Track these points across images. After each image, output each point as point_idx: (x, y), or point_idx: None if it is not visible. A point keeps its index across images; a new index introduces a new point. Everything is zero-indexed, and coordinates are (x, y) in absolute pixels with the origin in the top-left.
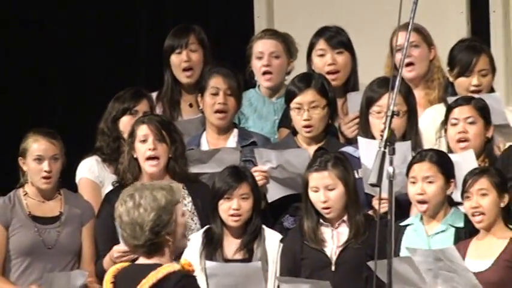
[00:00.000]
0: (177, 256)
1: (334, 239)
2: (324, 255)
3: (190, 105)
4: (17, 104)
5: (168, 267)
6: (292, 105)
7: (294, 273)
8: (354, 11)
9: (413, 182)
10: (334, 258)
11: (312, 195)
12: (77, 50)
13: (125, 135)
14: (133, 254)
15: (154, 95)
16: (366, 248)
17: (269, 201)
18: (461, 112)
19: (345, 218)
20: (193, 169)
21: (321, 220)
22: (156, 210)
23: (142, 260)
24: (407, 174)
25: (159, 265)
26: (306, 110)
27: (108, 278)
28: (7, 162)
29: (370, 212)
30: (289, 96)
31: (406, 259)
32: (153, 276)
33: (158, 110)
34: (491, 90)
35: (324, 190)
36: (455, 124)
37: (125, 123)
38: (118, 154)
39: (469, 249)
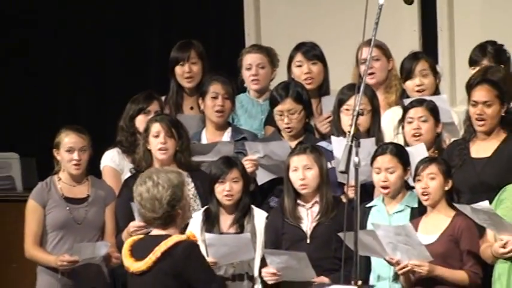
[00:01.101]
0: (182, 230)
1: (309, 216)
2: (300, 230)
3: (191, 108)
4: (51, 105)
5: (177, 237)
6: (275, 111)
7: (276, 245)
8: (326, 29)
9: (378, 172)
10: (309, 232)
11: (292, 174)
12: (101, 63)
13: (140, 131)
14: (149, 227)
15: (162, 98)
16: (335, 224)
17: (259, 184)
18: (415, 112)
19: (317, 198)
20: (196, 159)
21: (298, 201)
22: (171, 188)
23: (155, 232)
24: (371, 164)
25: (169, 236)
26: (286, 116)
27: (126, 247)
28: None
29: (343, 197)
30: (273, 103)
31: (370, 232)
32: (165, 244)
33: (166, 111)
34: (438, 93)
35: (303, 169)
36: (410, 122)
37: (140, 121)
38: (135, 147)
39: (419, 225)
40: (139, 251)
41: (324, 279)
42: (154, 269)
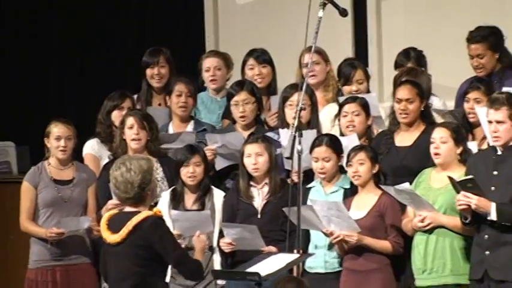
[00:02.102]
0: (151, 207)
1: (260, 196)
2: (252, 207)
3: (159, 104)
4: (42, 101)
5: (146, 213)
6: (232, 102)
7: (232, 219)
8: (274, 38)
9: (316, 161)
10: (259, 209)
11: (246, 160)
12: (84, 65)
13: (116, 123)
14: (122, 206)
15: (135, 96)
16: (282, 202)
17: (217, 169)
18: (349, 107)
19: (267, 180)
20: (163, 146)
21: (250, 182)
22: (142, 173)
23: (128, 209)
24: (310, 153)
25: (139, 212)
26: (241, 105)
27: (103, 221)
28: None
29: (289, 180)
30: (229, 96)
31: (309, 207)
32: (135, 219)
33: (138, 107)
34: (368, 91)
35: (255, 156)
36: (345, 116)
37: (115, 115)
38: (111, 137)
39: (352, 203)
40: (115, 224)
41: (272, 248)
42: (127, 241)
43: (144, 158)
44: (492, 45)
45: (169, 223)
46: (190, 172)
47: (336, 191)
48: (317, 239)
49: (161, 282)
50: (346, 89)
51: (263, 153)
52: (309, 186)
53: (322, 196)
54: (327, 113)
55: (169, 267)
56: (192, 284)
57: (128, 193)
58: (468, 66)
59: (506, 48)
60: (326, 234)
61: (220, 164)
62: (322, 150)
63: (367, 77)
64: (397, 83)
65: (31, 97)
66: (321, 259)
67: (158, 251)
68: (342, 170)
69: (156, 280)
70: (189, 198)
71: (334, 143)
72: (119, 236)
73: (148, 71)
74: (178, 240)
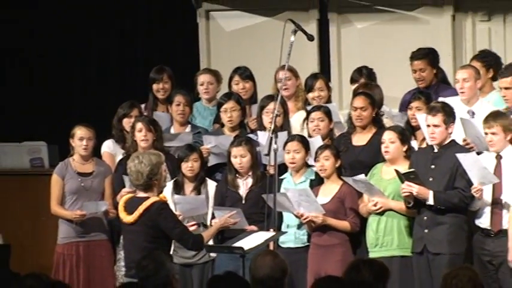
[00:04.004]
0: (159, 193)
1: (244, 185)
2: (238, 194)
3: (162, 112)
4: (68, 109)
5: (154, 198)
6: (221, 109)
7: (222, 204)
8: (255, 57)
9: (288, 153)
10: (244, 196)
11: (233, 160)
12: (103, 78)
13: (126, 128)
14: (134, 192)
15: (143, 105)
16: (261, 190)
17: (209, 165)
18: (315, 114)
19: (250, 173)
20: (166, 144)
21: (237, 175)
22: (151, 165)
23: (140, 194)
24: (284, 148)
25: (149, 197)
26: (229, 112)
27: (121, 204)
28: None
29: (267, 172)
30: (219, 105)
31: (283, 194)
32: (145, 204)
33: (145, 113)
34: (330, 101)
35: (240, 157)
36: (312, 121)
37: (125, 121)
38: (124, 138)
39: (319, 191)
40: (130, 207)
41: (254, 227)
42: (139, 221)
43: (156, 153)
44: (431, 62)
45: (172, 206)
46: (189, 166)
47: (304, 181)
48: (289, 219)
49: (165, 254)
50: (309, 95)
51: (246, 154)
52: (281, 177)
53: (292, 185)
54: (297, 119)
55: (173, 242)
56: (191, 255)
57: (139, 181)
58: (408, 81)
59: (440, 67)
60: (297, 216)
61: (212, 161)
62: (294, 144)
63: (328, 85)
64: (354, 94)
65: (59, 105)
66: (292, 236)
67: (163, 229)
68: (307, 165)
69: (161, 253)
70: (188, 187)
71: (303, 140)
72: (132, 217)
73: (155, 86)
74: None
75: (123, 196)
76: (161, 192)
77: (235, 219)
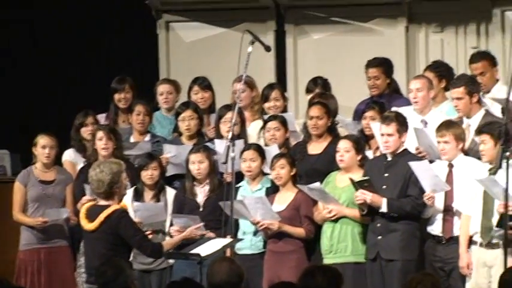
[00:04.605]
0: (120, 201)
1: (202, 193)
2: (196, 202)
3: (123, 121)
4: (30, 118)
5: (115, 206)
6: (179, 118)
7: (180, 211)
8: (213, 68)
9: (244, 161)
10: (201, 203)
11: (191, 166)
12: (65, 88)
13: (85, 137)
14: (94, 201)
15: (105, 115)
16: (219, 198)
17: (166, 175)
18: (272, 124)
19: (208, 181)
20: (126, 153)
21: (194, 183)
22: (111, 174)
23: (101, 202)
24: (240, 157)
25: (110, 205)
26: (187, 120)
27: (83, 211)
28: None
29: (224, 180)
30: (177, 114)
31: (240, 201)
32: (106, 211)
33: (106, 123)
34: (286, 111)
35: (198, 163)
36: (268, 131)
37: (83, 131)
38: (84, 147)
39: (275, 198)
40: (91, 215)
41: (211, 234)
42: (100, 229)
43: (116, 162)
44: (385, 71)
45: (132, 213)
46: (149, 175)
47: (260, 189)
48: (245, 226)
49: (124, 261)
50: (266, 105)
51: (204, 161)
52: (238, 185)
53: (248, 193)
54: (253, 128)
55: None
56: (149, 262)
57: (100, 189)
58: (363, 91)
59: (393, 78)
60: (253, 223)
61: (170, 171)
62: (250, 153)
63: (283, 95)
64: (310, 104)
65: (22, 114)
66: (248, 243)
67: (123, 236)
68: (263, 173)
69: (120, 259)
70: (148, 195)
71: (259, 149)
72: (93, 225)
73: (116, 96)
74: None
75: (84, 204)
76: (121, 200)
77: (202, 230)
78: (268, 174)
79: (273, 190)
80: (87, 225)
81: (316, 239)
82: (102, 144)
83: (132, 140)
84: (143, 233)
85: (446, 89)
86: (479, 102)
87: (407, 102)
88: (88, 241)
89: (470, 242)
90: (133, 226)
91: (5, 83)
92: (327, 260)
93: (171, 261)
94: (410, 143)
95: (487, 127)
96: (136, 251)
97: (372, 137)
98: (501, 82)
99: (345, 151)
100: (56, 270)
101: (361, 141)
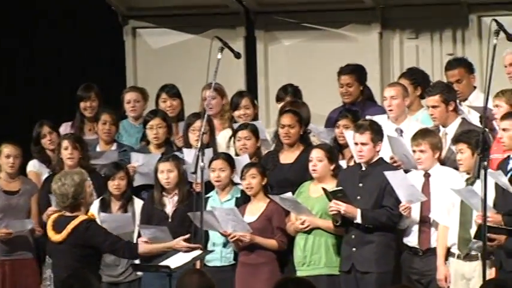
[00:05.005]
0: (87, 210)
1: (171, 203)
2: (164, 213)
3: (90, 130)
4: None
5: (82, 217)
6: (147, 126)
7: (148, 222)
8: (182, 75)
9: (213, 171)
10: (170, 214)
11: (160, 175)
12: (31, 97)
13: (47, 147)
14: (61, 212)
15: (70, 123)
16: (188, 208)
17: (134, 185)
18: (242, 133)
19: (177, 191)
20: (92, 162)
21: (163, 193)
22: (74, 186)
23: (68, 213)
24: (209, 166)
25: (77, 216)
26: (155, 128)
27: (49, 223)
28: None
29: (193, 190)
30: (145, 122)
31: (210, 212)
32: (74, 222)
33: (72, 131)
34: (257, 119)
35: (167, 172)
36: (239, 140)
37: (44, 142)
38: (47, 158)
39: (246, 209)
40: (58, 226)
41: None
42: (68, 240)
43: (78, 172)
44: (358, 78)
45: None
46: (116, 185)
47: (230, 199)
48: (215, 238)
49: (92, 273)
50: (235, 113)
51: (173, 170)
52: (207, 195)
53: (218, 203)
54: (223, 137)
55: (101, 261)
56: (117, 274)
57: (65, 203)
58: (335, 99)
59: (367, 85)
60: (223, 234)
61: (138, 181)
62: (219, 162)
63: (254, 103)
64: (281, 112)
65: None
66: (218, 254)
67: (94, 244)
68: (233, 183)
69: (86, 271)
70: (115, 206)
71: (228, 158)
72: (60, 236)
73: (82, 104)
74: None
75: (50, 215)
76: (90, 207)
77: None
78: (238, 184)
79: (243, 200)
80: (54, 237)
81: (289, 250)
82: (67, 153)
83: (98, 149)
84: (113, 236)
85: (421, 96)
86: (456, 110)
87: (382, 110)
88: (56, 253)
89: (448, 253)
90: (101, 232)
91: None
92: (300, 272)
93: (139, 273)
94: (385, 152)
95: (464, 136)
96: (104, 263)
97: (345, 146)
98: (478, 89)
99: (317, 160)
100: (21, 283)
101: (335, 150)
